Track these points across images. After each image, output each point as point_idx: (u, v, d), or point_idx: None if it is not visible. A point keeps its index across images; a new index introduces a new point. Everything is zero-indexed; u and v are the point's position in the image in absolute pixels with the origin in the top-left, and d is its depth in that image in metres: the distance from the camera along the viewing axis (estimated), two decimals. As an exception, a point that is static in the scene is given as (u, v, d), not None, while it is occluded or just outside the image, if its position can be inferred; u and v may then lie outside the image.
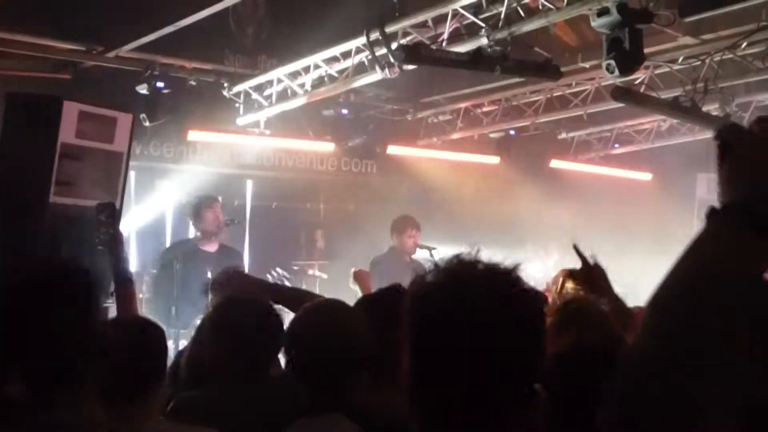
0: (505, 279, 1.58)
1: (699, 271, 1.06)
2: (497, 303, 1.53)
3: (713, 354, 0.99)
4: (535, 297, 1.61)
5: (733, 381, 1.00)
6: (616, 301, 3.69)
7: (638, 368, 1.04)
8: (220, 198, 8.03)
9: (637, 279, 5.01)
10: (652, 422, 1.01)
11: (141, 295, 7.32)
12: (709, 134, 9.28)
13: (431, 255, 8.41)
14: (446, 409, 1.54)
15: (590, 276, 3.86)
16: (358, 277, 5.67)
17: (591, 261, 3.88)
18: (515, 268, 1.60)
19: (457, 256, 1.60)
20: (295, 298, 3.87)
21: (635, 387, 1.02)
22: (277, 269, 8.06)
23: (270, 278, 7.85)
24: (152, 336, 2.88)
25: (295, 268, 8.62)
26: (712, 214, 1.09)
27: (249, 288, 4.06)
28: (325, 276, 9.66)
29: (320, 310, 2.89)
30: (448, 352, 1.53)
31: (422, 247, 8.46)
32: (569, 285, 4.22)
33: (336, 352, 2.66)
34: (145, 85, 8.41)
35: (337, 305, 2.97)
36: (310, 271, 9.66)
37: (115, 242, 4.42)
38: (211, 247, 7.49)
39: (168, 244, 8.91)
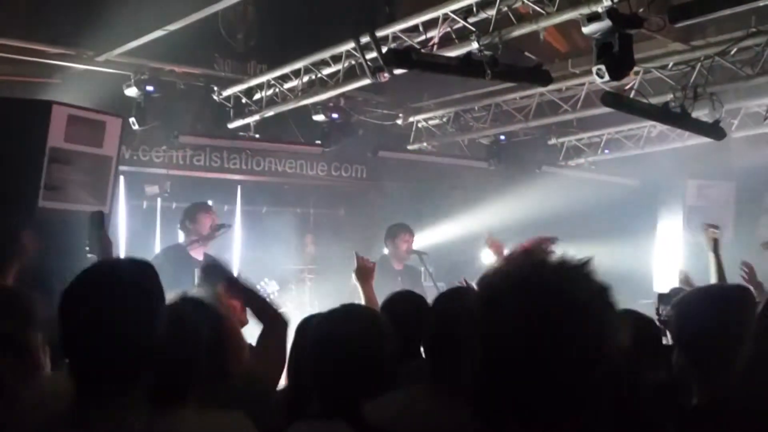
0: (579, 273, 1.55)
1: None
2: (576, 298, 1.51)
3: None
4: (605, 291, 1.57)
5: None
6: None
7: None
8: (212, 206, 8.01)
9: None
10: None
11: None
12: (699, 140, 9.32)
13: (422, 260, 8.41)
14: (521, 412, 1.51)
15: None
16: (361, 273, 5.28)
17: None
18: (588, 261, 1.57)
19: (526, 252, 1.59)
20: (263, 307, 3.81)
21: None
22: (264, 280, 8.05)
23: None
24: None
25: (263, 283, 8.55)
26: None
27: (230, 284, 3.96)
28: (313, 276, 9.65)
29: (342, 318, 2.86)
30: (529, 352, 1.49)
31: (414, 252, 8.45)
32: None
33: (351, 363, 2.65)
34: (134, 89, 8.40)
35: (356, 313, 2.94)
36: (301, 276, 9.64)
37: (104, 249, 4.40)
38: (199, 255, 7.47)
39: (157, 249, 8.87)
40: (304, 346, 2.87)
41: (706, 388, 2.59)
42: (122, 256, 8.66)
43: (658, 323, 3.96)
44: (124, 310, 2.08)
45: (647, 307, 4.51)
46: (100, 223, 4.53)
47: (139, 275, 2.18)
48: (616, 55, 6.05)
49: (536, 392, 1.49)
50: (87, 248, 4.43)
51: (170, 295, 2.45)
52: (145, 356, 2.09)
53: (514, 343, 1.50)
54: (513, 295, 1.52)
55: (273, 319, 3.59)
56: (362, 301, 5.16)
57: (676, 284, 6.56)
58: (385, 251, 8.52)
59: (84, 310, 2.08)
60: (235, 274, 3.97)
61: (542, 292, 1.51)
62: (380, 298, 4.74)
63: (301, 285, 10.24)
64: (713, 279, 6.17)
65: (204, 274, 3.88)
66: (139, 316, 2.10)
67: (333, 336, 2.73)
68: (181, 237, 7.79)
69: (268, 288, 7.80)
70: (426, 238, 9.78)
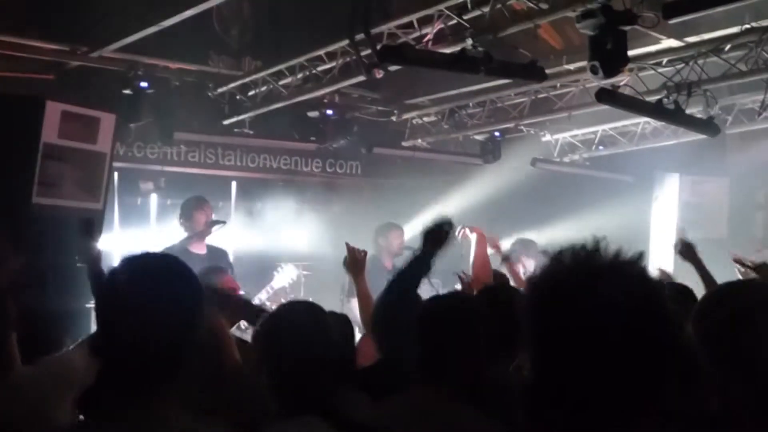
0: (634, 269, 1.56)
1: None
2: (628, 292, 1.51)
3: None
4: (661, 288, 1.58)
5: None
6: None
7: None
8: (208, 200, 8.00)
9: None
10: None
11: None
12: (693, 136, 9.34)
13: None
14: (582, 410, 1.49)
15: None
16: (352, 264, 5.23)
17: None
18: (641, 256, 1.58)
19: (580, 247, 1.58)
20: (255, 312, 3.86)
21: None
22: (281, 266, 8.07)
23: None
24: None
25: (280, 269, 8.58)
26: None
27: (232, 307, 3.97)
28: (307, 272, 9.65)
29: (291, 311, 2.88)
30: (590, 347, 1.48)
31: (408, 248, 8.44)
32: None
33: (308, 353, 2.65)
34: (128, 86, 8.37)
35: (307, 307, 2.96)
36: (296, 272, 9.63)
37: (94, 258, 4.34)
38: (201, 249, 7.45)
39: (152, 246, 8.86)
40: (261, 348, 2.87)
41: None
42: (117, 252, 8.70)
43: None
44: (172, 300, 2.02)
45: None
46: (90, 230, 4.50)
47: (180, 266, 2.13)
48: (610, 51, 6.05)
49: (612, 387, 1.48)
50: (77, 258, 4.39)
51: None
52: (187, 350, 2.04)
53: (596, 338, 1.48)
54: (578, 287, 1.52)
55: (252, 311, 3.61)
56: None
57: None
58: (372, 251, 8.51)
59: (131, 301, 2.00)
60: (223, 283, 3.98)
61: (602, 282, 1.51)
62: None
63: (295, 282, 10.23)
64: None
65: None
66: (184, 308, 2.05)
67: (278, 334, 2.74)
68: (177, 232, 7.78)
69: (285, 272, 7.81)
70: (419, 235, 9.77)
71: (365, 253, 5.25)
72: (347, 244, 5.24)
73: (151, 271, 2.10)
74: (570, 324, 1.50)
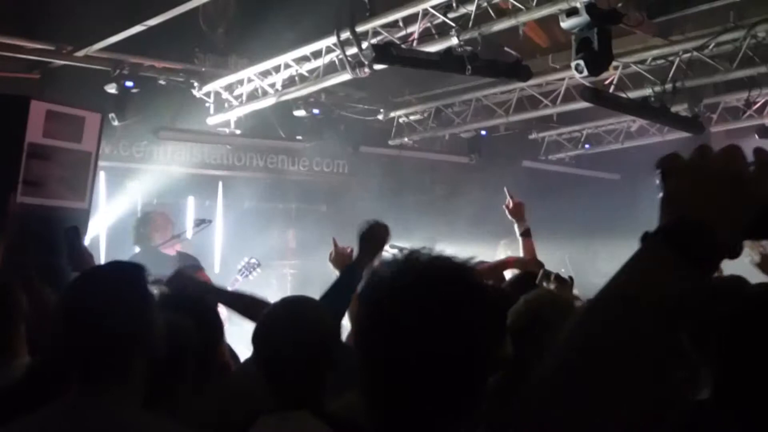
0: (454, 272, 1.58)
1: (618, 292, 1.07)
2: (440, 297, 1.53)
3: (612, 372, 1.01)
4: (481, 291, 1.60)
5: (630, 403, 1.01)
6: None
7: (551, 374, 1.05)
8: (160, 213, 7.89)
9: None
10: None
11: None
12: (678, 135, 9.38)
13: (402, 255, 8.38)
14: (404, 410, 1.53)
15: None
16: (338, 260, 5.08)
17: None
18: (466, 261, 1.59)
19: (410, 252, 1.59)
20: (240, 301, 3.87)
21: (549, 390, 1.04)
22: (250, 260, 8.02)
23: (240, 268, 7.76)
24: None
25: (266, 268, 8.56)
26: (644, 238, 1.11)
27: (194, 287, 4.00)
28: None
29: (287, 307, 2.89)
30: (398, 354, 1.51)
31: (393, 247, 8.42)
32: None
33: (301, 349, 2.66)
34: (114, 85, 8.36)
35: (303, 302, 2.97)
36: (282, 272, 9.65)
37: (86, 263, 4.34)
38: (171, 251, 7.44)
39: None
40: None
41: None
42: (103, 251, 8.69)
43: None
44: (115, 305, 2.19)
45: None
46: (77, 236, 4.50)
47: (130, 275, 2.31)
48: (595, 50, 6.09)
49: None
50: (70, 267, 4.38)
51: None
52: (134, 348, 2.19)
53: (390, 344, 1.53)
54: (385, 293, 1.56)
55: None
56: None
57: None
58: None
59: (81, 309, 2.20)
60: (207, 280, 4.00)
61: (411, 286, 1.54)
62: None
63: (282, 281, 10.24)
64: None
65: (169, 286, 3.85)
66: (130, 312, 2.21)
67: (273, 330, 2.76)
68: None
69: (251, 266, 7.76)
70: (407, 233, 9.78)
71: (351, 249, 5.22)
72: (334, 240, 5.23)
73: (99, 280, 2.31)
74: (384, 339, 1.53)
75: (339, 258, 5.09)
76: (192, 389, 2.73)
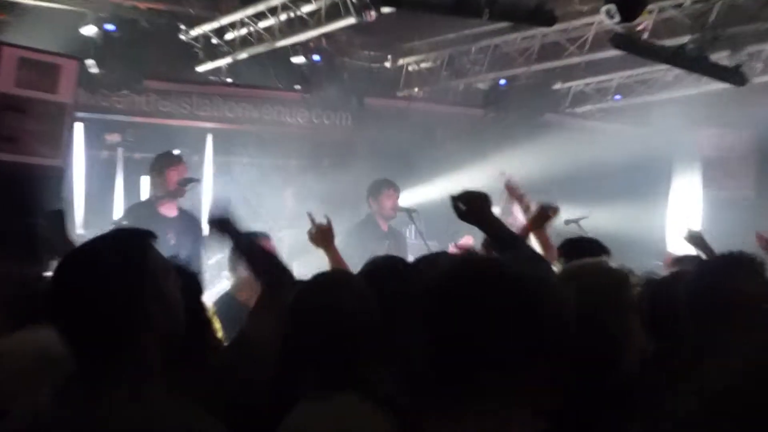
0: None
1: None
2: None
3: None
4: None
5: None
6: None
7: None
8: (183, 157, 7.93)
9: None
10: None
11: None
12: (716, 86, 9.32)
13: (411, 218, 8.39)
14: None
15: None
16: (319, 237, 5.03)
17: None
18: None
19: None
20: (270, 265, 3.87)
21: None
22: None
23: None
24: None
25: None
26: None
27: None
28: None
29: (324, 285, 2.92)
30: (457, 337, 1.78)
31: (402, 209, 8.42)
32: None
33: (343, 327, 2.72)
34: (93, 28, 8.32)
35: (342, 278, 3.01)
36: (279, 233, 9.65)
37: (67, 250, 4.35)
38: (171, 212, 7.43)
39: (118, 203, 8.90)
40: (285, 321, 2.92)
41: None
42: (81, 211, 8.71)
43: None
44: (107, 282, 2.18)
45: (661, 269, 4.57)
46: (61, 221, 4.53)
47: (127, 249, 2.28)
48: (627, -8, 6.05)
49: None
50: (56, 254, 4.41)
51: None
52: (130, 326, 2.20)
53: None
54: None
55: (280, 277, 3.62)
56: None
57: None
58: (369, 209, 8.50)
59: (73, 284, 2.20)
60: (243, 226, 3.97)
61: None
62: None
63: (278, 243, 10.25)
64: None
65: (212, 228, 3.91)
66: (124, 289, 2.20)
67: (318, 307, 2.79)
68: (144, 189, 7.75)
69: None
70: (417, 193, 9.79)
71: (329, 220, 5.14)
72: (309, 216, 5.15)
73: (93, 257, 2.27)
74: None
75: (321, 235, 5.03)
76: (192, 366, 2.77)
